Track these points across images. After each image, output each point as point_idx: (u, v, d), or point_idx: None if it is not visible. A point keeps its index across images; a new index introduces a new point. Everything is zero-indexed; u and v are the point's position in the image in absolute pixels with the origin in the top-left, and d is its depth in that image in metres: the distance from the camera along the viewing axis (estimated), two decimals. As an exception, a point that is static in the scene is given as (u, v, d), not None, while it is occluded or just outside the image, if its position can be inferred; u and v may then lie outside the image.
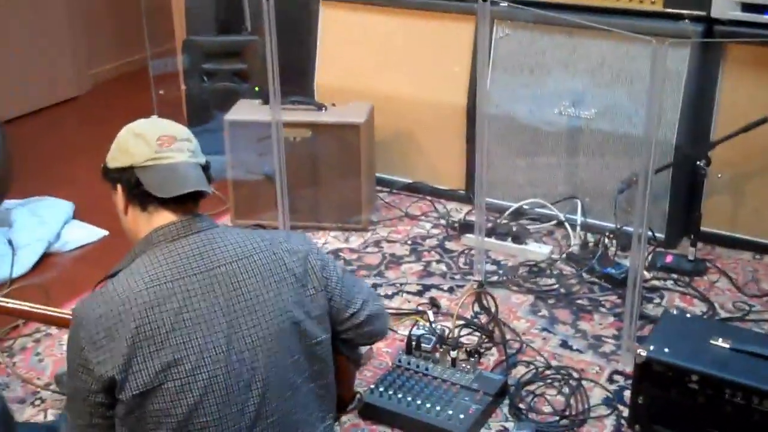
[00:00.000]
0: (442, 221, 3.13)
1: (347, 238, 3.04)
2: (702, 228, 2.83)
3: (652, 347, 1.96)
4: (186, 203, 1.65)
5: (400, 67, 3.28)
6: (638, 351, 1.96)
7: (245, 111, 3.14)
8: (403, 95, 3.27)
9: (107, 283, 1.60)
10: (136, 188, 1.62)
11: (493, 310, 2.52)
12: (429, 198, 3.30)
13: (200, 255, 1.60)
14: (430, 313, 2.52)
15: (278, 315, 1.62)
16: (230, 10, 3.83)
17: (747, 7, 2.62)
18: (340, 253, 2.93)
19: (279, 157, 2.68)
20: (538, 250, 2.88)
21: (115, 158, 1.66)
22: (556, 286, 2.70)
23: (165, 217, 1.62)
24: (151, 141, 1.63)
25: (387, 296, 2.67)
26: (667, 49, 2.05)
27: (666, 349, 1.96)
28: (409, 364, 2.27)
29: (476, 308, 2.57)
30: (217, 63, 3.74)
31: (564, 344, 2.42)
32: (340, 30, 3.39)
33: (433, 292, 2.69)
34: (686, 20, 2.74)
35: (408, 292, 2.70)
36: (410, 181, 3.36)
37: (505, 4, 2.98)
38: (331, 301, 1.72)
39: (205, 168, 1.72)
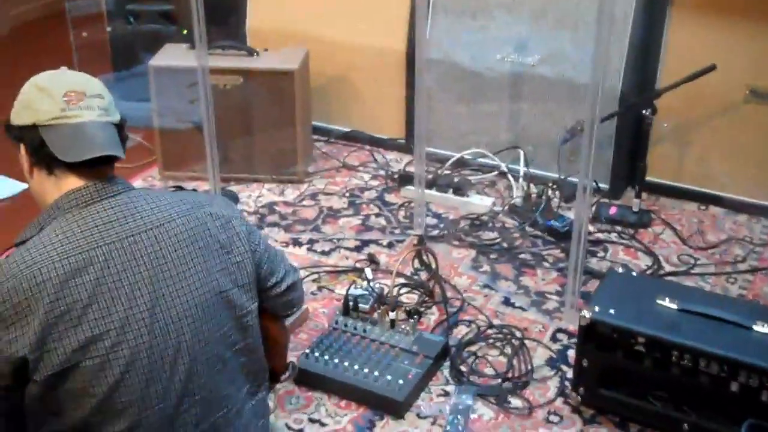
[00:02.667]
0: (382, 172, 3.02)
1: (282, 190, 2.91)
2: (648, 178, 2.77)
3: (596, 308, 1.89)
4: (97, 167, 1.48)
5: (337, 9, 3.12)
6: (582, 313, 1.89)
7: (171, 56, 2.96)
8: (340, 40, 3.12)
9: (14, 253, 1.45)
10: (41, 149, 1.46)
11: (433, 266, 2.43)
12: (368, 147, 3.18)
13: (117, 221, 1.46)
14: (368, 270, 2.43)
15: (205, 284, 1.49)
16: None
17: (696, -51, 2.53)
18: (275, 207, 2.81)
19: (206, 105, 2.53)
20: (479, 202, 2.78)
21: (18, 114, 1.49)
22: (499, 240, 2.61)
23: (74, 182, 1.46)
24: (57, 97, 1.47)
25: (324, 252, 2.56)
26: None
27: (611, 311, 1.88)
28: (346, 326, 2.17)
29: (416, 264, 2.48)
30: (143, 3, 3.53)
31: (506, 301, 2.34)
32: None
33: (372, 248, 2.59)
34: (633, -38, 2.64)
35: (346, 248, 2.59)
36: (348, 130, 3.23)
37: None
38: (258, 268, 1.60)
39: (120, 126, 1.56)
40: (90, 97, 1.50)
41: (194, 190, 2.56)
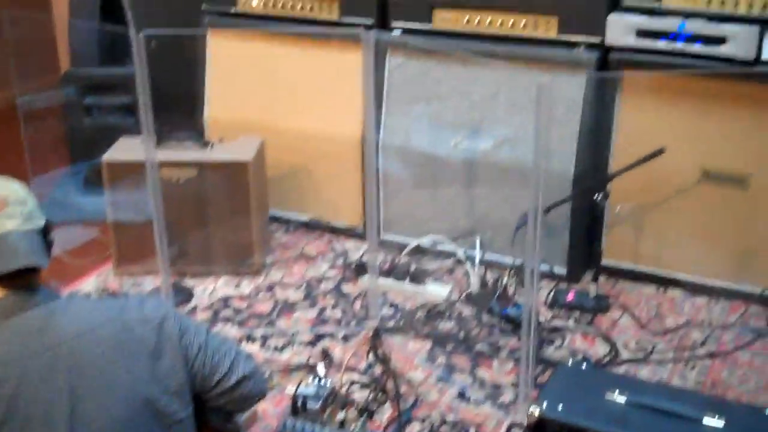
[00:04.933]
0: (339, 261, 2.99)
1: (238, 283, 2.87)
2: (604, 262, 2.75)
3: (545, 404, 1.84)
4: (19, 277, 1.45)
5: (294, 98, 3.13)
6: (531, 409, 1.84)
7: (126, 150, 2.94)
8: (297, 128, 3.11)
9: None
10: (-41, 260, 1.43)
11: (389, 359, 2.38)
12: (327, 236, 3.15)
13: (38, 332, 1.41)
14: (320, 366, 2.37)
15: (130, 395, 1.44)
16: (115, 40, 3.63)
17: (642, 34, 2.54)
18: (230, 301, 2.76)
19: (156, 199, 2.50)
20: (436, 291, 2.74)
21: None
22: (455, 330, 2.57)
23: (-6, 293, 1.43)
24: (-22, 207, 1.45)
25: (277, 348, 2.51)
26: (549, 87, 1.92)
27: (560, 406, 1.83)
28: (294, 428, 2.10)
29: (371, 358, 2.43)
30: (102, 96, 3.53)
31: (461, 396, 2.28)
32: (229, 60, 3.22)
33: (327, 342, 2.53)
34: (581, 47, 2.65)
35: (300, 343, 2.54)
36: (307, 219, 3.20)
37: (397, 32, 2.90)
38: (194, 369, 1.55)
39: (45, 231, 1.53)
40: (12, 205, 1.48)
41: (126, 294, 2.54)
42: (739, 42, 2.42)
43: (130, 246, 2.92)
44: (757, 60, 2.44)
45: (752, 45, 2.42)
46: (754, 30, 2.41)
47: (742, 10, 2.44)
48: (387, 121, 2.95)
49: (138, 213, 2.89)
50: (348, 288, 2.83)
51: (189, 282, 2.87)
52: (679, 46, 2.50)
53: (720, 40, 2.44)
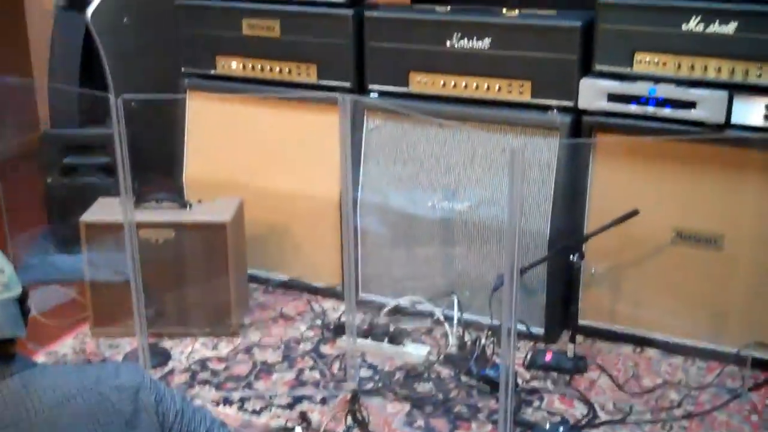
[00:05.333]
0: (318, 322, 2.98)
1: (216, 344, 2.86)
2: (581, 322, 2.76)
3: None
4: (-4, 347, 1.45)
5: (273, 158, 3.15)
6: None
7: (104, 211, 2.94)
8: (276, 188, 3.14)
9: None
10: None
11: (367, 422, 2.37)
12: (306, 296, 3.16)
13: (14, 404, 1.41)
14: (299, 429, 2.36)
15: (105, 465, 1.43)
16: (95, 100, 3.65)
17: (614, 98, 2.59)
18: (208, 363, 2.74)
19: (133, 261, 2.51)
20: (415, 351, 2.74)
21: None
22: (433, 392, 2.56)
23: (-33, 365, 1.43)
24: (-49, 277, 1.44)
25: (255, 411, 2.49)
26: (522, 151, 1.95)
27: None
28: (270, 493, 2.09)
29: (350, 421, 2.42)
30: (81, 157, 3.54)
31: (440, 459, 2.28)
32: (208, 121, 3.25)
33: (305, 405, 2.52)
34: (554, 110, 2.70)
35: (278, 406, 2.52)
36: (286, 278, 3.21)
37: (374, 95, 2.94)
38: None
39: (22, 299, 1.53)
40: (-12, 275, 1.48)
41: (104, 360, 2.52)
42: (708, 106, 2.48)
43: (107, 307, 2.91)
44: (727, 124, 2.49)
45: (721, 109, 2.47)
46: (722, 95, 2.47)
47: (710, 75, 2.50)
48: (365, 181, 2.98)
49: (116, 274, 2.89)
50: (326, 349, 2.82)
51: (166, 343, 2.86)
52: (651, 110, 2.55)
53: (690, 105, 2.50)
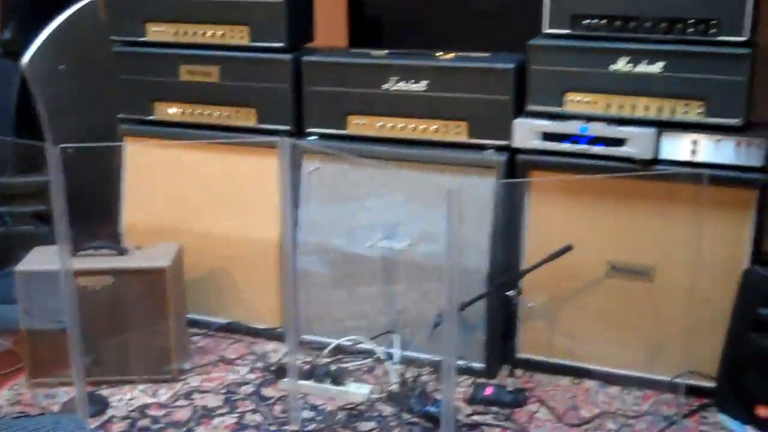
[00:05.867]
0: (260, 364, 2.98)
1: (156, 391, 2.82)
2: (520, 355, 2.81)
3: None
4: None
5: (212, 202, 3.15)
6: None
7: (40, 259, 2.90)
8: (215, 232, 3.14)
9: None
10: None
11: (310, 462, 2.37)
12: (247, 339, 3.15)
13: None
14: (242, 472, 2.35)
15: None
16: (31, 147, 3.63)
17: (547, 137, 2.67)
18: (148, 410, 2.71)
19: (71, 309, 2.48)
20: (357, 390, 2.75)
21: None
22: (376, 430, 2.57)
23: None
24: None
25: (197, 455, 2.48)
26: (458, 191, 2.00)
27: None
28: None
29: (293, 461, 2.42)
30: (16, 205, 3.50)
31: (384, 497, 2.28)
32: (147, 167, 3.24)
33: (248, 447, 2.51)
34: (490, 150, 2.77)
35: (220, 449, 2.51)
36: (226, 322, 3.20)
37: (313, 138, 2.98)
38: None
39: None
40: None
41: (42, 413, 2.48)
42: (637, 143, 2.57)
43: (44, 356, 2.86)
44: (656, 159, 2.58)
45: (650, 145, 2.56)
46: (651, 132, 2.56)
47: (639, 113, 2.60)
48: (305, 222, 3.00)
49: (52, 322, 2.85)
50: (268, 391, 2.81)
51: (105, 391, 2.82)
52: (582, 147, 2.63)
53: (620, 142, 2.58)
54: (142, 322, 2.85)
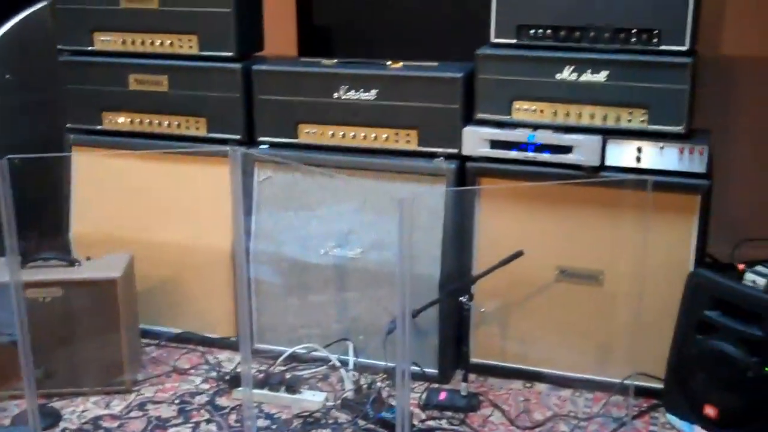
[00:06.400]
0: (213, 374, 2.97)
1: (109, 402, 2.80)
2: (473, 360, 2.85)
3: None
4: None
5: (163, 212, 3.14)
6: None
7: (-12, 272, 2.88)
8: (167, 241, 3.12)
9: None
10: None
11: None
12: (200, 349, 3.14)
13: None
14: (197, 483, 2.34)
15: None
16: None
17: (495, 145, 2.71)
18: (101, 422, 2.69)
19: (20, 322, 2.44)
20: (312, 398, 2.76)
21: None
22: (332, 437, 2.59)
23: None
24: None
25: (151, 467, 2.46)
26: (410, 200, 2.02)
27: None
28: None
29: (248, 471, 2.42)
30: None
31: (340, 504, 2.30)
32: (96, 177, 3.21)
33: (203, 457, 2.51)
34: (440, 158, 2.80)
35: (175, 460, 2.50)
36: (179, 331, 3.19)
37: (264, 147, 2.98)
38: None
39: None
40: None
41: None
42: (584, 150, 2.62)
43: (-6, 369, 2.84)
44: (602, 166, 2.64)
45: (596, 152, 2.62)
46: (597, 139, 2.62)
47: (585, 121, 2.65)
48: (257, 231, 3.00)
49: (2, 335, 2.81)
50: (223, 401, 2.80)
51: (57, 404, 2.79)
52: (530, 155, 2.67)
53: (567, 149, 2.63)
54: (93, 333, 2.83)
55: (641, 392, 2.69)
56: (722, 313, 2.49)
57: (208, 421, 2.69)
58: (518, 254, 2.67)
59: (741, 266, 2.52)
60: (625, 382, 2.68)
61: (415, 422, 2.63)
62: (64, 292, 2.80)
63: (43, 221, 3.30)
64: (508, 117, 2.73)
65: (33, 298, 2.74)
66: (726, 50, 3.24)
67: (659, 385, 2.68)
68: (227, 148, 2.54)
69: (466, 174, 2.78)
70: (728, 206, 3.21)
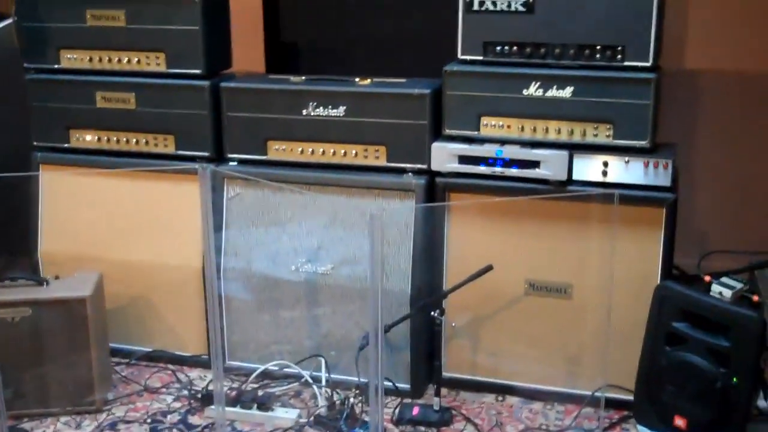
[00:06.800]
0: (185, 392, 2.96)
1: (79, 423, 2.78)
2: (446, 374, 2.85)
3: None
4: None
5: (132, 230, 3.12)
6: None
7: (-45, 293, 2.85)
8: (136, 259, 3.11)
9: None
10: None
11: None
12: (171, 367, 3.12)
13: None
14: (169, 504, 2.33)
15: None
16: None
17: (464, 160, 2.73)
18: (71, 443, 2.68)
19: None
20: (285, 415, 2.76)
21: None
22: (305, 455, 2.59)
23: None
24: None
25: (123, 488, 2.45)
26: (380, 215, 2.04)
27: None
28: None
29: (221, 490, 2.41)
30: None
31: None
32: (64, 195, 3.19)
33: (175, 477, 2.50)
34: (409, 174, 2.81)
35: (147, 481, 2.49)
36: (150, 350, 3.17)
37: (233, 163, 2.98)
38: None
39: None
40: None
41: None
42: (551, 165, 2.64)
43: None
44: (569, 180, 2.67)
45: (563, 167, 2.64)
46: (563, 154, 2.64)
47: (551, 136, 2.68)
48: (227, 247, 3.00)
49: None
50: (195, 419, 2.79)
51: (27, 425, 2.76)
52: (498, 170, 2.69)
53: (534, 164, 2.66)
54: (63, 352, 2.81)
55: (612, 404, 2.72)
56: (690, 325, 2.53)
57: (180, 441, 2.69)
58: (488, 268, 2.69)
59: (707, 278, 2.56)
60: (596, 394, 2.70)
61: (388, 438, 2.64)
62: (33, 312, 2.78)
63: (11, 240, 3.28)
64: (476, 132, 2.75)
65: (1, 318, 2.72)
66: (690, 64, 3.29)
67: (629, 397, 2.70)
68: (196, 165, 2.55)
69: (435, 189, 2.80)
70: (694, 218, 3.26)
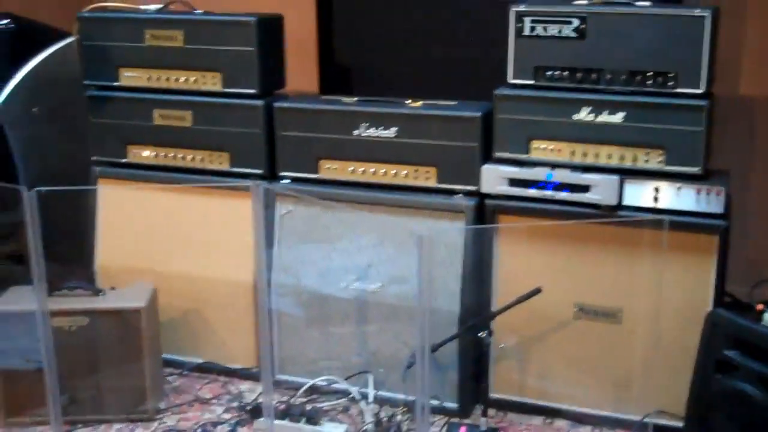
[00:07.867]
0: (235, 404, 3.01)
1: (132, 430, 2.85)
2: (493, 395, 2.86)
3: None
4: None
5: (186, 244, 3.19)
6: None
7: (15, 300, 2.92)
8: (189, 273, 3.17)
9: None
10: None
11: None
12: (222, 379, 3.18)
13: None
14: None
15: None
16: (5, 189, 3.64)
17: (514, 183, 2.75)
18: (124, 451, 2.75)
19: (47, 350, 2.51)
20: (332, 430, 2.78)
21: None
22: (351, 471, 2.62)
23: None
24: None
25: (173, 499, 2.50)
26: (429, 237, 2.06)
27: None
28: None
29: (268, 505, 2.45)
30: (-11, 245, 3.52)
31: None
32: (120, 209, 3.28)
33: (223, 490, 2.55)
34: (459, 195, 2.84)
35: (196, 492, 2.54)
36: (201, 362, 3.23)
37: (286, 181, 3.03)
38: None
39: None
40: None
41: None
42: (601, 190, 2.65)
43: (19, 396, 2.88)
44: (620, 205, 2.66)
45: (614, 192, 2.64)
46: (614, 179, 2.64)
47: (602, 161, 2.68)
48: (278, 263, 3.05)
49: (27, 362, 2.87)
50: (244, 431, 2.84)
51: (81, 431, 2.84)
52: (549, 193, 2.71)
53: (585, 188, 2.66)
54: (117, 361, 2.89)
55: (661, 430, 2.70)
56: (741, 353, 2.50)
57: (229, 453, 2.74)
58: (536, 291, 2.69)
59: (760, 306, 2.53)
60: (645, 420, 2.69)
61: (434, 457, 2.65)
62: (90, 321, 2.86)
63: (69, 251, 3.36)
64: (526, 156, 2.76)
65: (59, 326, 2.80)
66: (744, 90, 3.27)
67: (678, 423, 2.68)
68: (249, 182, 2.60)
69: (485, 211, 2.81)
70: (747, 246, 3.22)
